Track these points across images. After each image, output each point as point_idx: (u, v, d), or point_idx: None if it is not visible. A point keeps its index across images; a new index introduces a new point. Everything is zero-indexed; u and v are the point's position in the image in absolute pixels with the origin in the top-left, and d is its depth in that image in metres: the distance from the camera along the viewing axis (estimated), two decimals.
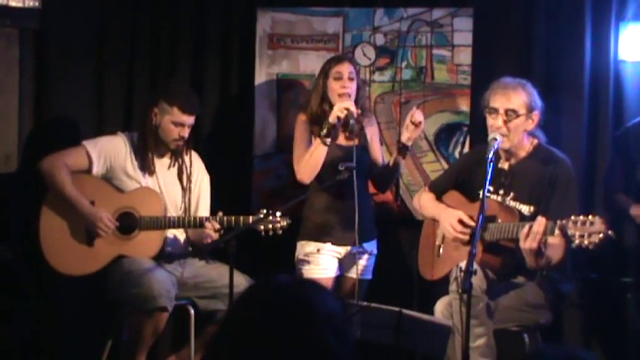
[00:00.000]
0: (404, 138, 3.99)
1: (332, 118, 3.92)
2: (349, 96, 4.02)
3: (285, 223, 3.95)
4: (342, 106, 3.90)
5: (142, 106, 4.39)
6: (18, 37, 4.60)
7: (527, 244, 3.42)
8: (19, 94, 4.61)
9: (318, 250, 4.08)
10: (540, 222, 3.41)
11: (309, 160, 3.99)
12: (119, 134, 4.17)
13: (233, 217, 3.97)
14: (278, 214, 3.93)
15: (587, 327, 4.50)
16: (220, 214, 3.98)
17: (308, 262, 4.10)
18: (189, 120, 4.06)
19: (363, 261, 4.14)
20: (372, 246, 4.20)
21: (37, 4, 4.60)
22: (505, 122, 3.64)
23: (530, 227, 3.42)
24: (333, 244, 4.09)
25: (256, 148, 4.64)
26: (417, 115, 3.93)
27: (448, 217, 3.79)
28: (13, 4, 4.56)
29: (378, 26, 4.57)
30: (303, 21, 4.61)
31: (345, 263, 4.14)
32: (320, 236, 4.09)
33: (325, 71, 4.09)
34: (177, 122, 4.04)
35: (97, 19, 4.72)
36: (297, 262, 4.14)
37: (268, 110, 4.64)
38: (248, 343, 1.57)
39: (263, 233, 3.94)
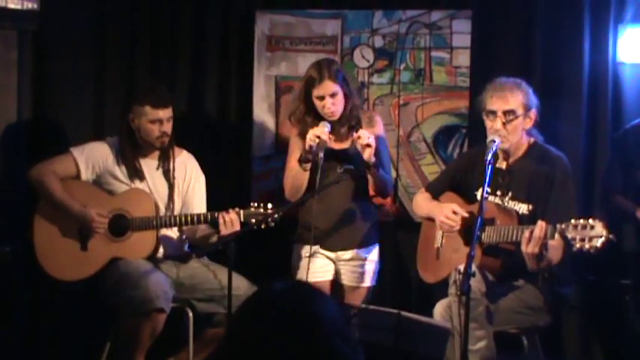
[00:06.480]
0: (365, 156, 3.81)
1: (306, 146, 3.85)
2: (333, 113, 3.91)
3: (276, 215, 3.82)
4: (314, 134, 3.81)
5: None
6: (16, 39, 4.60)
7: (530, 248, 3.42)
8: (18, 96, 4.60)
9: (311, 254, 4.02)
10: (541, 226, 3.40)
11: (292, 184, 3.97)
12: (106, 139, 4.15)
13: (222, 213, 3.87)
14: (269, 205, 3.88)
15: (586, 329, 4.50)
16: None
17: (302, 266, 4.06)
18: (165, 114, 4.01)
19: (358, 268, 4.07)
20: (369, 252, 4.09)
21: (35, 5, 4.59)
22: (504, 124, 3.64)
23: (532, 232, 3.41)
24: (323, 247, 4.04)
25: (255, 149, 4.64)
26: (362, 135, 3.78)
27: (442, 211, 3.77)
28: (11, 6, 4.55)
29: (377, 28, 4.56)
30: (301, 23, 4.61)
31: (339, 269, 4.09)
32: (313, 239, 4.05)
33: (308, 86, 3.95)
34: (153, 120, 4.00)
35: (96, 20, 4.72)
36: (292, 265, 4.12)
37: (267, 112, 4.64)
38: (256, 355, 1.58)
39: (255, 226, 3.87)
